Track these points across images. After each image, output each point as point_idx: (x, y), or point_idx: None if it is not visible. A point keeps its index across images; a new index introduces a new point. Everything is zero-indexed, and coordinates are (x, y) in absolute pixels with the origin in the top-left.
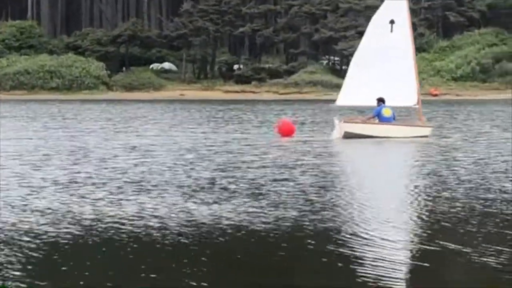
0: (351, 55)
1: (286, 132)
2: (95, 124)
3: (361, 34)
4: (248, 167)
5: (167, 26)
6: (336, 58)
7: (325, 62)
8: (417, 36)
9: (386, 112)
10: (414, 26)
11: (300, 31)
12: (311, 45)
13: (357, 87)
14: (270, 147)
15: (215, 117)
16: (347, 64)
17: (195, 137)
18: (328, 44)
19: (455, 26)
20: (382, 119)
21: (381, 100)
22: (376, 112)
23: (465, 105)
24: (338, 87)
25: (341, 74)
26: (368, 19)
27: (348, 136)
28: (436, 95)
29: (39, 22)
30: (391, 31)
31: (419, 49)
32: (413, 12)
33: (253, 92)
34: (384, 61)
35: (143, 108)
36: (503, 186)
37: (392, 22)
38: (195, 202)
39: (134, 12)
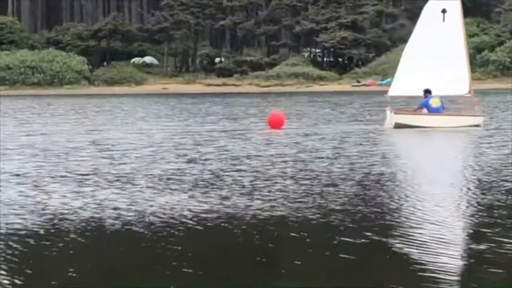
0: (333, 47)
1: (275, 124)
2: (70, 118)
3: (342, 25)
4: (212, 158)
5: (148, 19)
6: (318, 50)
7: (306, 54)
8: (398, 27)
9: (434, 102)
10: (394, 17)
11: (281, 24)
12: (292, 37)
13: (410, 76)
14: (237, 139)
15: (193, 110)
16: (329, 55)
17: (167, 130)
18: (309, 36)
19: None
20: (431, 110)
21: (427, 92)
22: (423, 104)
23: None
24: (320, 78)
25: (323, 66)
26: (349, 10)
27: (398, 126)
28: None
29: (20, 18)
30: (443, 20)
31: (399, 40)
32: (394, 3)
33: (235, 85)
34: (436, 50)
35: (122, 103)
36: None
37: (444, 11)
38: (155, 193)
39: (115, 6)
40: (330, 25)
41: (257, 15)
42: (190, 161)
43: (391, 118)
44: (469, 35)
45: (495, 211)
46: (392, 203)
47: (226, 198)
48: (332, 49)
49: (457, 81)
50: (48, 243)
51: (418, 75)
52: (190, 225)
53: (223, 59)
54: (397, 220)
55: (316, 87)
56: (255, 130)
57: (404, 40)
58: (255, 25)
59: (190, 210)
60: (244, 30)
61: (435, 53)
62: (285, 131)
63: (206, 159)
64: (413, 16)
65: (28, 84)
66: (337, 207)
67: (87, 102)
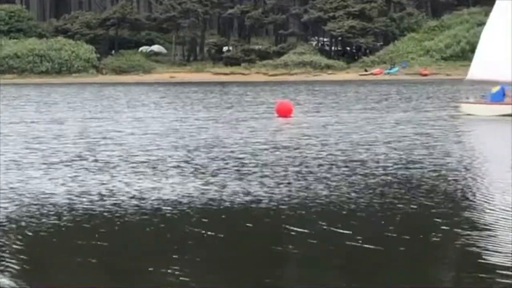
0: (341, 35)
1: (284, 112)
2: (69, 107)
3: (350, 14)
4: (197, 146)
5: (156, 8)
6: (326, 39)
7: (314, 43)
8: (406, 16)
9: (493, 89)
10: (402, 6)
11: (289, 12)
12: (300, 26)
13: (487, 60)
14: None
15: (198, 99)
16: (336, 44)
17: (165, 117)
18: (317, 25)
19: (444, 5)
20: (492, 98)
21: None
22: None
23: (452, 84)
24: (328, 67)
25: (331, 54)
26: None
27: (468, 114)
28: (426, 75)
29: (28, 6)
30: None
31: (408, 29)
32: None
33: (243, 73)
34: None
35: (127, 91)
36: None
37: None
38: (139, 178)
39: None
40: (338, 13)
41: (265, 4)
42: (184, 148)
43: (461, 107)
44: (477, 24)
45: None
46: None
47: (204, 182)
48: (340, 38)
49: None
50: (26, 225)
51: (495, 60)
52: (167, 210)
53: (231, 48)
54: None
55: (324, 76)
56: (261, 119)
57: (412, 29)
58: (263, 14)
59: (170, 194)
60: (252, 19)
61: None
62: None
63: (205, 146)
64: (421, 5)
65: (36, 72)
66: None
67: (93, 90)
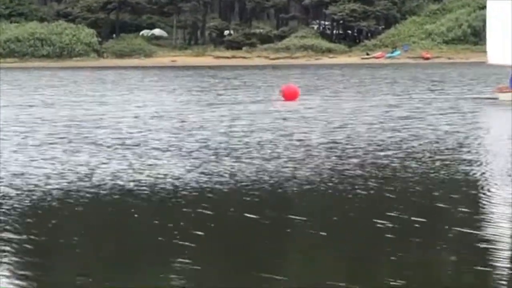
0: (342, 19)
1: (290, 96)
2: (61, 91)
3: None
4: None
5: None
6: (327, 23)
7: (315, 26)
8: None
9: None
10: None
11: None
12: (301, 9)
13: (501, 44)
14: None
15: (193, 83)
16: (338, 28)
17: (156, 102)
18: (318, 8)
19: None
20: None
21: None
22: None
23: (450, 68)
24: (329, 51)
25: (332, 38)
26: None
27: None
28: (427, 58)
29: None
30: None
31: (409, 12)
32: None
33: (244, 57)
34: None
35: (123, 75)
36: None
37: None
38: (119, 159)
39: None
40: None
41: None
42: (171, 131)
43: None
44: (479, 7)
45: None
46: None
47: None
48: (341, 22)
49: None
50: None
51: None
52: (145, 192)
53: (232, 32)
54: None
55: (325, 60)
56: (253, 103)
57: (414, 12)
58: None
59: (148, 176)
60: (253, 2)
61: None
62: None
63: (192, 130)
64: None
65: (37, 56)
66: None
67: (91, 74)
